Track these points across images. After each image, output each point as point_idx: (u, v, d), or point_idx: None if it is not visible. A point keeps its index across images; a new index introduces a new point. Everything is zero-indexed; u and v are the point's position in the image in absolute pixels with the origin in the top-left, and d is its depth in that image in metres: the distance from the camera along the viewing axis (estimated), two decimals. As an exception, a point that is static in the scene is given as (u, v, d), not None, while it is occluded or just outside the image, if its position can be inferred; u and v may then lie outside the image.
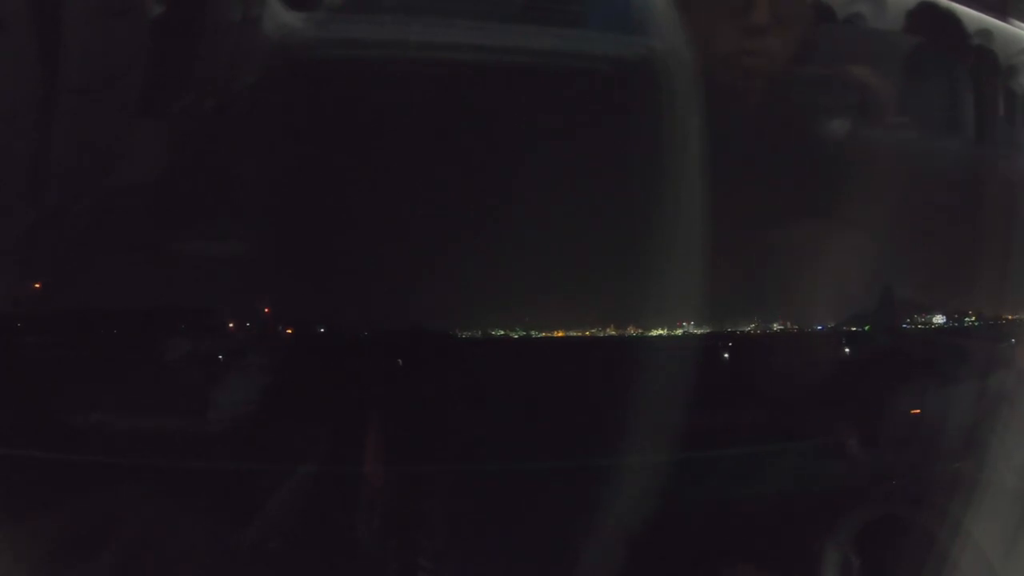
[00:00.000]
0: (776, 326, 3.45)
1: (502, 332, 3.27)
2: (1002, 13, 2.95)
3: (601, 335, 3.31)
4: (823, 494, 2.82)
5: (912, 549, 2.52)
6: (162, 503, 2.51)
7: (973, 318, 3.26)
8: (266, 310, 3.05)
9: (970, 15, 2.98)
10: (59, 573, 2.34)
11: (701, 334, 3.21)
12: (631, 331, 3.23)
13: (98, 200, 2.67)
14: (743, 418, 3.01)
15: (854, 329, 3.42)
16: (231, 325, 2.94)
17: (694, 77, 2.71)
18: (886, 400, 2.99)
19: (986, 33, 2.98)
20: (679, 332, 3.12)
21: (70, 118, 2.54)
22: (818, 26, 2.98)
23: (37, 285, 2.83)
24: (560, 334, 3.30)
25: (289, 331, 3.01)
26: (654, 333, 3.14)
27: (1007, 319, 3.12)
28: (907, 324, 3.39)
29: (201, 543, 2.45)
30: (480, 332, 3.23)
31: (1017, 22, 3.01)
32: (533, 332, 3.27)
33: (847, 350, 3.42)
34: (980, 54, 3.03)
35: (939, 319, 3.31)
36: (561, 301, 3.23)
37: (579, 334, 3.30)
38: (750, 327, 3.46)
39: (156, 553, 2.37)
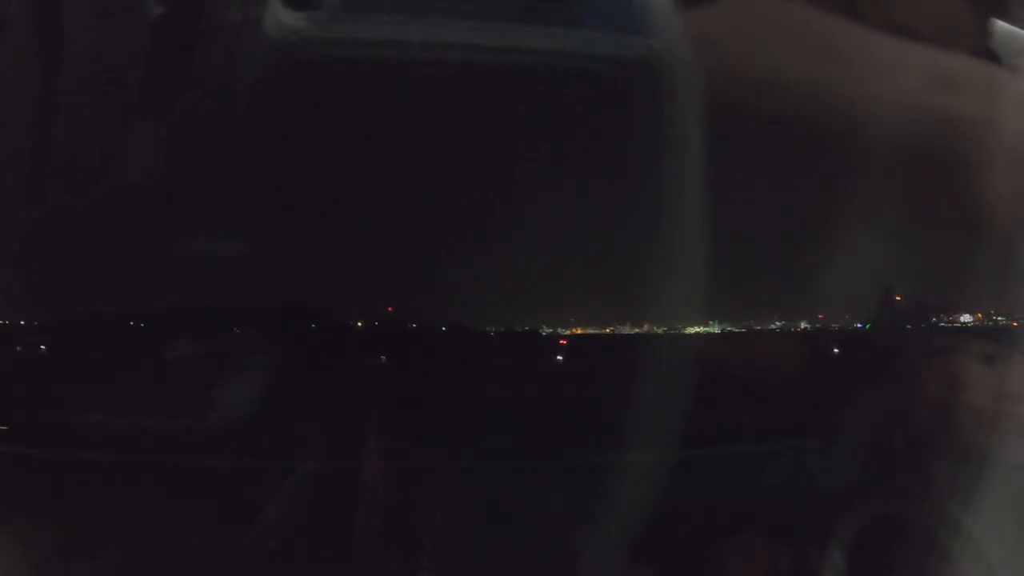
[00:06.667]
0: (776, 325, 3.45)
1: (524, 329, 3.29)
2: (1002, 13, 2.94)
3: (604, 332, 3.32)
4: (823, 494, 2.82)
5: (912, 549, 2.52)
6: (162, 503, 2.51)
7: (981, 318, 3.26)
8: (389, 308, 3.07)
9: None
10: (59, 573, 2.35)
11: (700, 332, 3.21)
12: (632, 328, 3.24)
13: (98, 200, 2.67)
14: (742, 416, 3.01)
15: (854, 328, 3.42)
16: (235, 325, 2.94)
17: (694, 76, 2.71)
18: (886, 399, 2.99)
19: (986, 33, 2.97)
20: (678, 330, 3.12)
21: (70, 118, 2.54)
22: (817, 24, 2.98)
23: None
24: (579, 331, 3.31)
25: (303, 328, 3.02)
26: (650, 330, 3.14)
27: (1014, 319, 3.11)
28: (923, 324, 3.39)
29: (201, 543, 2.45)
30: (491, 329, 3.24)
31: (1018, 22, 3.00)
32: (546, 329, 3.28)
33: (848, 349, 3.42)
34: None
35: (966, 318, 3.30)
36: (573, 299, 3.24)
37: (590, 332, 3.31)
38: (750, 325, 3.47)
39: (156, 553, 2.37)
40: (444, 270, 3.00)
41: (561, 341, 3.23)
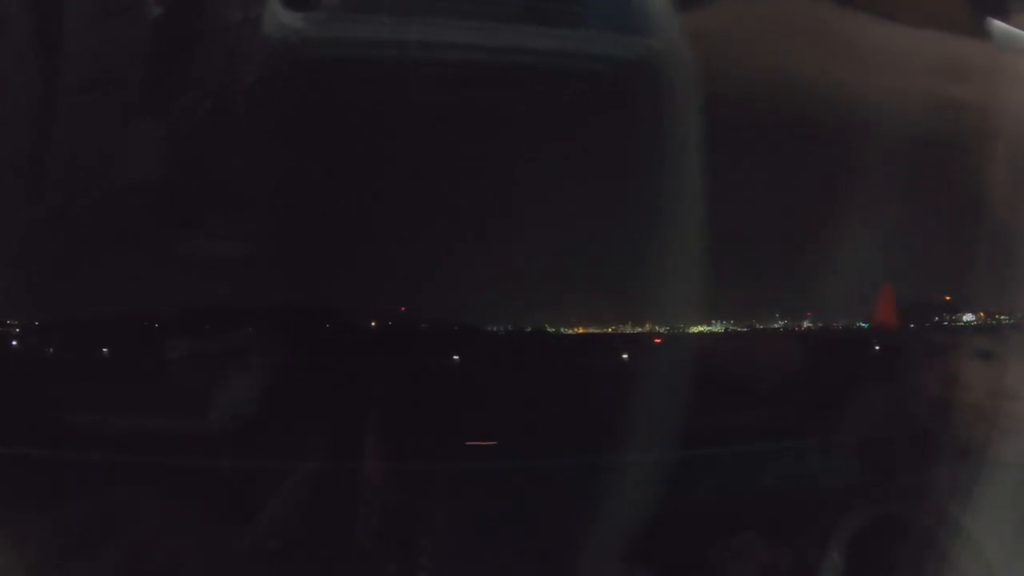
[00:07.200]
0: (778, 324, 3.45)
1: (523, 329, 3.28)
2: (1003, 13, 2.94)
3: (606, 332, 3.32)
4: (823, 494, 2.82)
5: (912, 549, 2.52)
6: (162, 503, 2.51)
7: (983, 317, 3.26)
8: (402, 308, 3.07)
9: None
10: (59, 573, 2.34)
11: (701, 332, 3.21)
12: (634, 328, 3.24)
13: (98, 200, 2.68)
14: (742, 417, 3.01)
15: (853, 327, 3.42)
16: (233, 325, 2.94)
17: (694, 76, 2.71)
18: (885, 398, 2.99)
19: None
20: (680, 329, 3.13)
21: (70, 118, 2.54)
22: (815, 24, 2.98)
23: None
24: (581, 330, 3.32)
25: (302, 328, 3.03)
26: (652, 330, 3.14)
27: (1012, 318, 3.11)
28: (925, 323, 3.40)
29: (201, 543, 2.45)
30: (492, 328, 3.24)
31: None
32: (549, 328, 3.29)
33: (847, 348, 3.42)
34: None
35: (968, 317, 3.30)
36: (573, 299, 3.25)
37: (588, 331, 3.32)
38: (752, 325, 3.47)
39: (156, 553, 2.37)
40: (444, 270, 3.01)
41: (657, 340, 3.18)
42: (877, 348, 3.39)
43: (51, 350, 2.99)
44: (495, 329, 3.27)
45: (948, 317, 3.34)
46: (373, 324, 3.14)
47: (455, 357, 3.20)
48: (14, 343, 2.96)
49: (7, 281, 2.70)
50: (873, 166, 2.88)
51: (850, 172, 2.95)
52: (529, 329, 3.31)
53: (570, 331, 3.33)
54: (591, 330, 3.34)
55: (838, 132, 2.92)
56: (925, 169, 2.95)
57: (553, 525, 2.66)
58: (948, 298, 3.31)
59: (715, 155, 2.74)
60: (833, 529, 2.56)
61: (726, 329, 3.31)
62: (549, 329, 3.32)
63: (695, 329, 3.16)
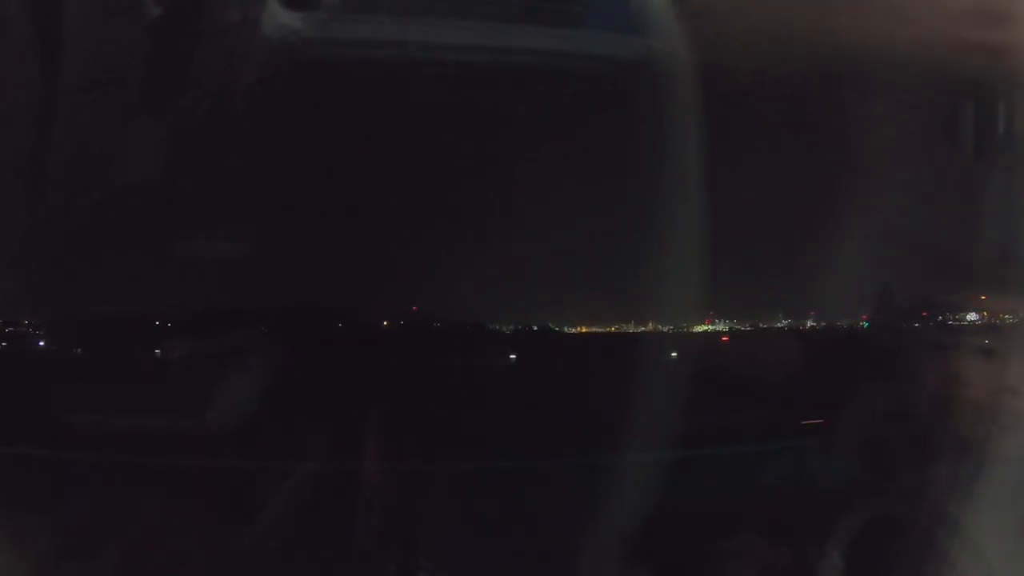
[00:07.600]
0: (779, 324, 3.45)
1: (521, 328, 3.28)
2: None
3: (608, 331, 3.32)
4: (823, 494, 2.82)
5: (912, 549, 2.52)
6: (162, 503, 2.51)
7: (987, 316, 3.25)
8: (414, 308, 3.08)
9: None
10: (59, 573, 2.35)
11: (701, 332, 3.21)
12: (636, 327, 3.24)
13: (98, 200, 2.68)
14: (742, 417, 3.02)
15: (853, 327, 3.42)
16: (234, 325, 2.94)
17: (693, 76, 2.71)
18: (886, 398, 2.99)
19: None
20: (682, 328, 3.13)
21: (70, 118, 2.54)
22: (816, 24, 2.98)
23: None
24: (583, 330, 3.32)
25: (298, 329, 3.03)
26: (654, 329, 3.15)
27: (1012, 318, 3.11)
28: (928, 322, 3.39)
29: (201, 543, 2.45)
30: (492, 328, 3.25)
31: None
32: (554, 327, 3.29)
33: (847, 348, 3.42)
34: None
35: (972, 316, 3.30)
36: (574, 299, 3.25)
37: (591, 330, 3.32)
38: (756, 324, 3.47)
39: (156, 553, 2.37)
40: (443, 269, 3.01)
41: (724, 338, 3.15)
42: (878, 347, 3.39)
43: (51, 350, 2.99)
44: (496, 328, 3.27)
45: (952, 316, 3.34)
46: (372, 324, 3.14)
47: (455, 357, 3.20)
48: (15, 343, 2.96)
49: (7, 281, 2.70)
50: (873, 166, 2.88)
51: (851, 173, 2.95)
52: (535, 328, 3.32)
53: (573, 330, 3.33)
54: (594, 329, 3.34)
55: (838, 131, 2.92)
56: (927, 166, 2.95)
57: (553, 525, 2.66)
58: (984, 297, 3.29)
59: (715, 154, 2.74)
60: (833, 529, 2.56)
61: (730, 328, 3.31)
62: (553, 328, 3.32)
63: (698, 328, 3.17)
